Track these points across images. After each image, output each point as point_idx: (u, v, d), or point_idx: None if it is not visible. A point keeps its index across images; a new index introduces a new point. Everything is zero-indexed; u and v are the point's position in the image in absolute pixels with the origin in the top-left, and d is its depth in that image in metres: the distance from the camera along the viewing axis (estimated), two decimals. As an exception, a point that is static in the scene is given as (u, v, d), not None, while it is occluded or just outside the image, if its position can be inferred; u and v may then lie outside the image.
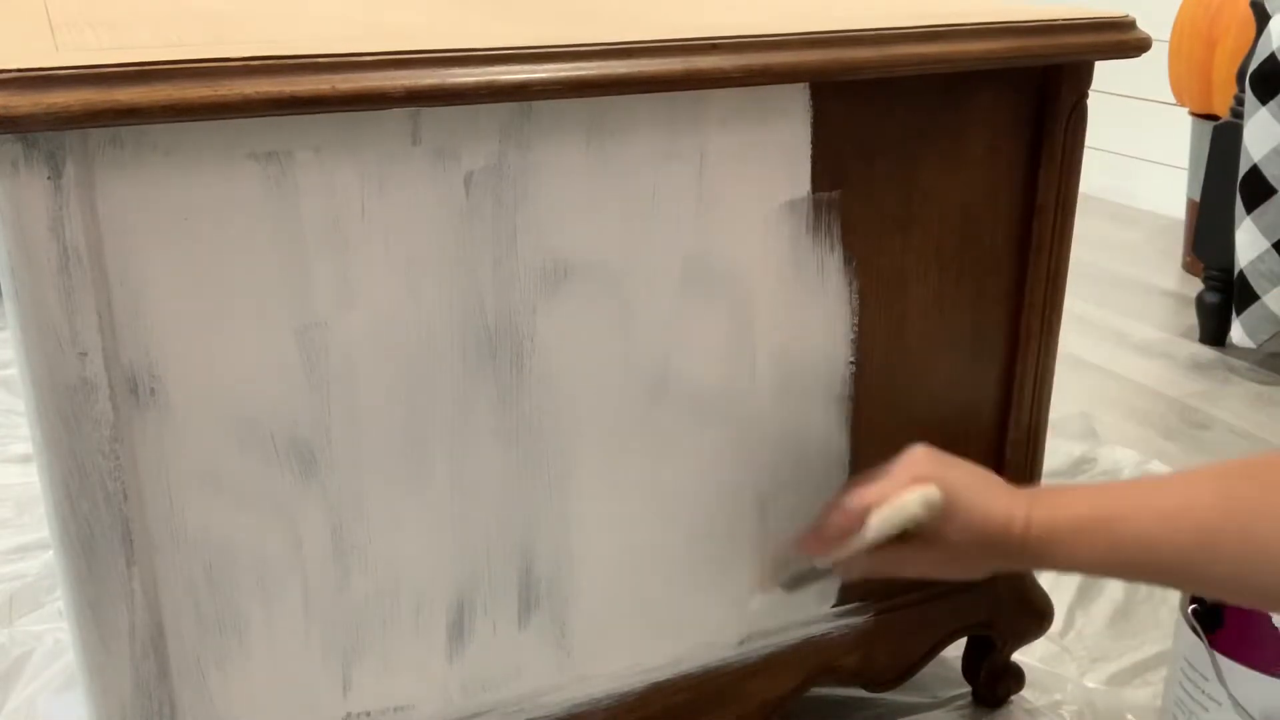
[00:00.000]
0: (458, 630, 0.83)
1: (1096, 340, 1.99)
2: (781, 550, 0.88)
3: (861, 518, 0.79)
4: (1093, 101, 0.91)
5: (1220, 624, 0.88)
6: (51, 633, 1.21)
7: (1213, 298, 2.00)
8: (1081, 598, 1.30)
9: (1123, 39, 0.87)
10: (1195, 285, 2.15)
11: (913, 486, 0.78)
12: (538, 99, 0.71)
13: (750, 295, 0.84)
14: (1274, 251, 1.75)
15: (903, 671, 1.02)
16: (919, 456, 0.80)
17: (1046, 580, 1.30)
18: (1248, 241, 1.78)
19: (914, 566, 0.81)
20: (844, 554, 0.81)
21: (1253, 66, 1.73)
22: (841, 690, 1.06)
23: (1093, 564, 0.76)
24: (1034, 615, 1.08)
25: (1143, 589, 1.32)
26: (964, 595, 1.03)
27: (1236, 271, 1.81)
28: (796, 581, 0.90)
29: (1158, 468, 1.56)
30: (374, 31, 0.78)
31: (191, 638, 0.74)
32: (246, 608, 0.75)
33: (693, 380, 0.84)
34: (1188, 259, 2.38)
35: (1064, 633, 1.23)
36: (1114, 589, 1.32)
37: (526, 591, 0.84)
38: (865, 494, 0.80)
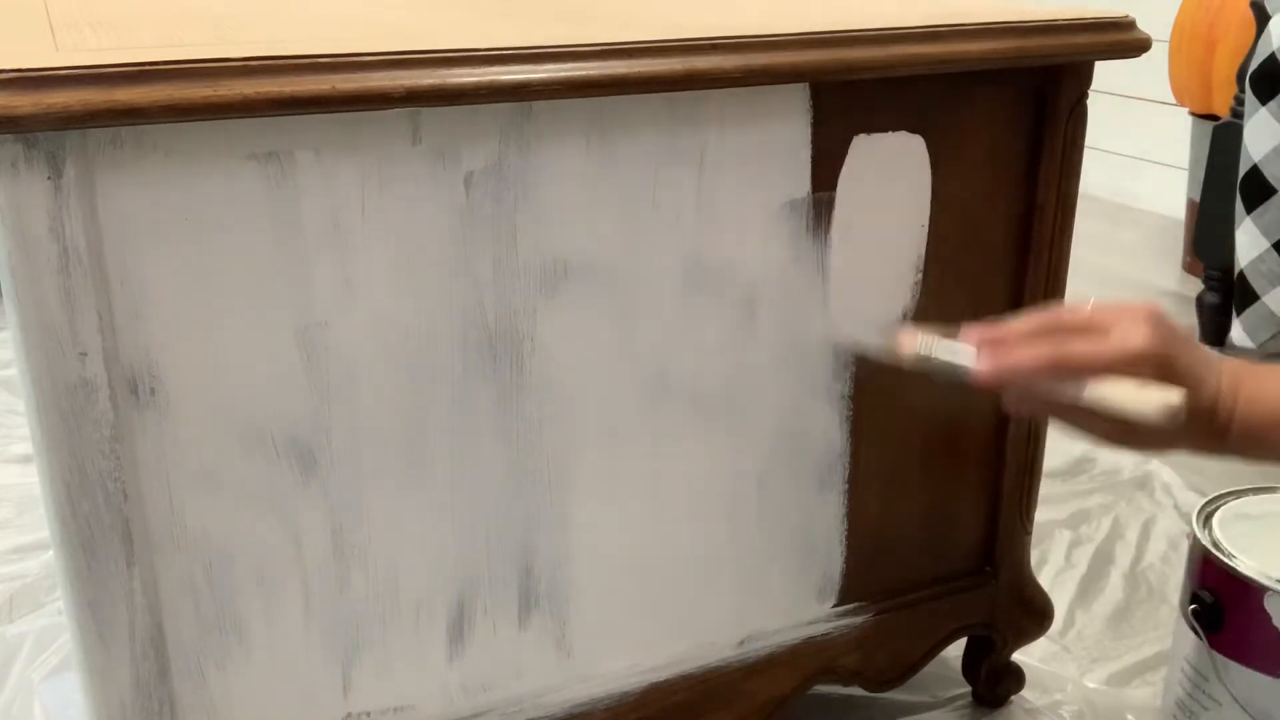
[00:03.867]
0: (458, 630, 0.83)
1: (1096, 340, 1.98)
2: (948, 334, 0.76)
3: (1076, 374, 0.69)
4: (1093, 101, 0.91)
5: (1220, 624, 0.88)
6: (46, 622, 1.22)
7: (1213, 298, 1.99)
8: (1081, 597, 1.30)
9: (1123, 39, 0.87)
10: (1195, 285, 2.15)
11: (1153, 385, 0.67)
12: (538, 99, 0.71)
13: (750, 295, 0.84)
14: (1274, 251, 1.75)
15: (903, 671, 1.02)
16: (1155, 327, 0.69)
17: (1046, 580, 1.30)
18: (1248, 241, 1.78)
19: (1097, 432, 0.72)
20: (1023, 389, 0.72)
21: (1253, 66, 1.73)
22: (841, 690, 1.06)
23: None
24: (1034, 615, 1.08)
25: (1143, 588, 1.32)
26: (964, 595, 1.03)
27: (1236, 272, 1.81)
28: (937, 369, 0.76)
29: (1158, 468, 1.56)
30: (374, 31, 0.78)
31: (191, 638, 0.74)
32: (246, 608, 0.75)
33: (693, 380, 0.84)
34: (1188, 259, 2.38)
35: (1064, 632, 1.23)
36: (1114, 588, 1.32)
37: (526, 591, 0.84)
38: (1090, 353, 0.69)
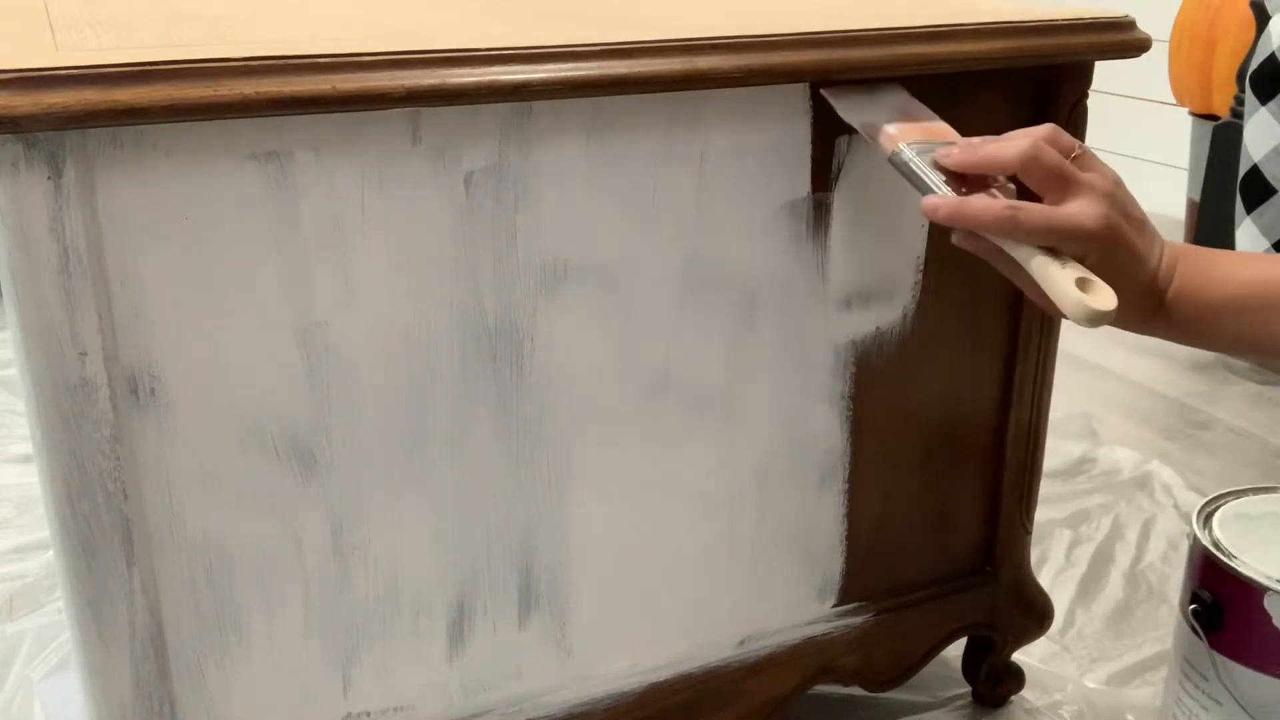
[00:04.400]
0: (458, 630, 0.83)
1: (1096, 340, 1.99)
2: (927, 132, 0.77)
3: (1025, 239, 0.71)
4: (1093, 101, 0.91)
5: (1220, 624, 0.88)
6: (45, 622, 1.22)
7: (1213, 298, 1.99)
8: (1082, 596, 1.30)
9: (1123, 39, 0.87)
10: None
11: (1087, 280, 0.69)
12: (538, 99, 0.71)
13: (750, 295, 0.84)
14: (1274, 251, 1.75)
15: (903, 671, 1.02)
16: (1111, 207, 0.72)
17: (1046, 579, 1.30)
18: (1248, 242, 1.78)
19: (1028, 293, 0.75)
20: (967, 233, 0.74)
21: (1253, 66, 1.73)
22: (841, 690, 1.06)
23: (1226, 346, 0.77)
24: (1034, 615, 1.08)
25: (1143, 588, 1.32)
26: (964, 595, 1.03)
27: (1236, 271, 1.81)
28: (906, 176, 0.76)
29: (1158, 468, 1.56)
30: (374, 31, 0.78)
31: (191, 638, 0.74)
32: (246, 608, 0.75)
33: (693, 380, 0.84)
34: (1188, 259, 2.38)
35: (1064, 631, 1.23)
36: (1114, 588, 1.32)
37: (526, 591, 0.84)
38: (1040, 222, 0.71)
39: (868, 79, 0.80)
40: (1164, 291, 0.77)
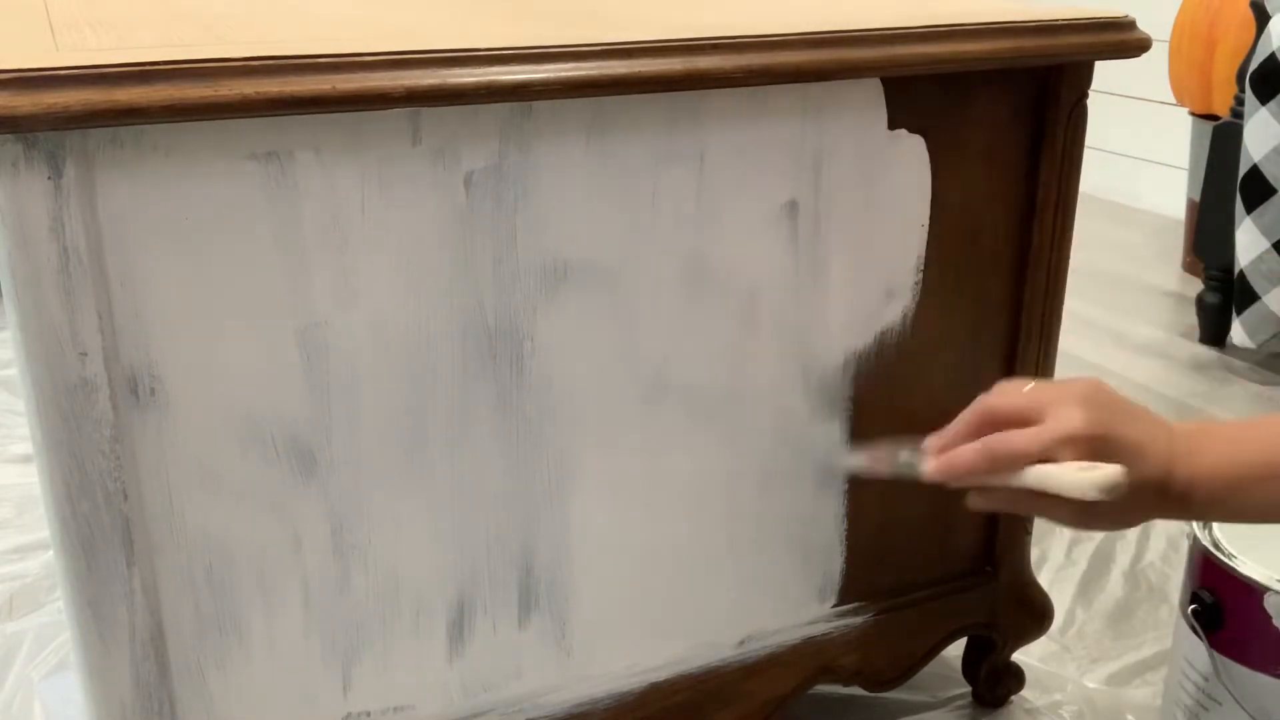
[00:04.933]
0: (458, 630, 0.83)
1: (1096, 340, 1.99)
2: (906, 444, 0.79)
3: (1011, 465, 0.71)
4: (1093, 101, 0.91)
5: (1220, 624, 0.88)
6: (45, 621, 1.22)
7: (1213, 298, 1.99)
8: (1082, 595, 1.30)
9: (1123, 39, 0.87)
10: (1195, 285, 2.15)
11: (1089, 465, 0.69)
12: (538, 99, 0.71)
13: (750, 295, 0.84)
14: (1274, 251, 1.75)
15: (903, 671, 1.02)
16: (1088, 407, 0.71)
17: (1046, 578, 1.30)
18: (1248, 241, 1.78)
19: (1057, 516, 0.73)
20: (975, 489, 0.75)
21: (1253, 66, 1.73)
22: (841, 690, 1.06)
23: (1255, 517, 0.73)
24: (1034, 615, 1.08)
25: (1143, 587, 1.32)
26: (964, 595, 1.03)
27: (1236, 271, 1.81)
28: (902, 474, 0.79)
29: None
30: (374, 31, 0.78)
31: (191, 638, 0.74)
32: (246, 608, 0.75)
33: (692, 380, 0.84)
34: (1188, 259, 2.38)
35: (1064, 630, 1.23)
36: (1114, 586, 1.32)
37: (526, 591, 0.84)
38: (1022, 443, 0.71)
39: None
40: (1189, 475, 0.73)
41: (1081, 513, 0.71)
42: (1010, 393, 0.73)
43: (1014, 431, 0.71)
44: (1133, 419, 0.73)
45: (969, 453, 0.72)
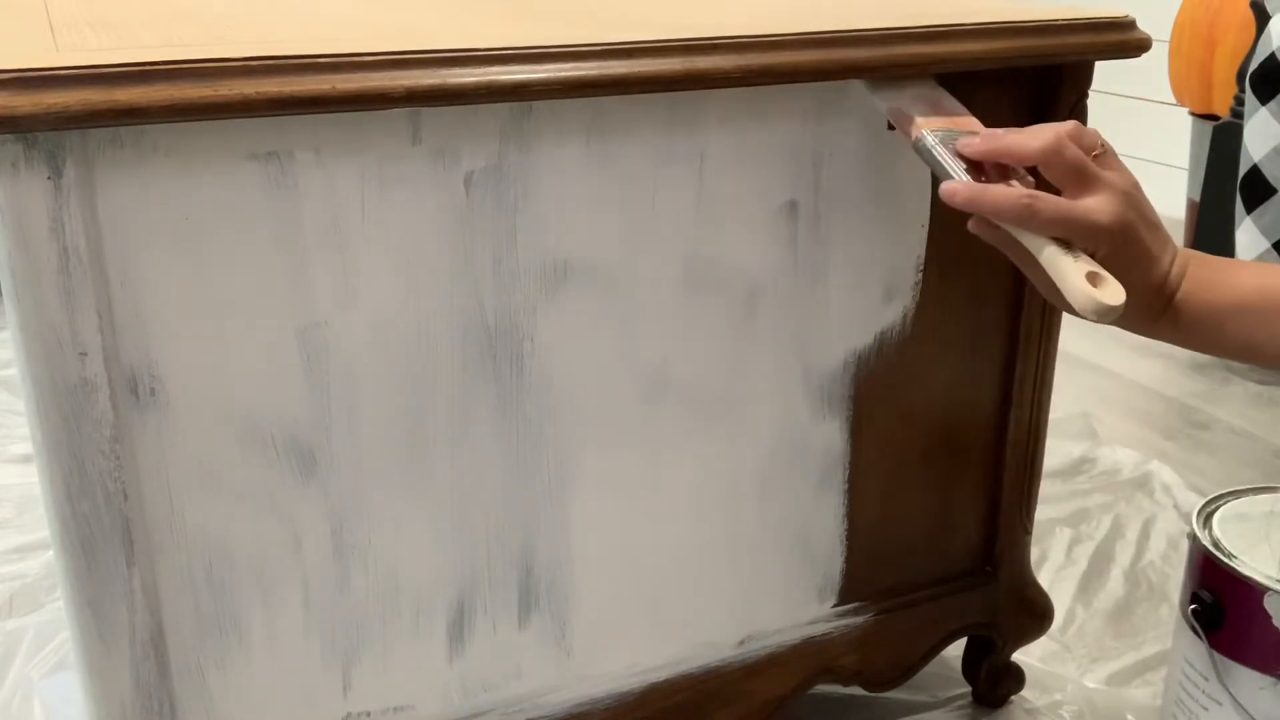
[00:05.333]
0: (458, 630, 0.83)
1: (1096, 340, 1.99)
2: (936, 121, 0.77)
3: (1038, 229, 0.72)
4: (1093, 101, 0.91)
5: (1220, 624, 0.88)
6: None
7: (1213, 298, 1.99)
8: (1082, 593, 1.30)
9: (1123, 39, 0.87)
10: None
11: (1097, 275, 0.70)
12: (538, 99, 0.71)
13: (750, 295, 0.84)
14: (1274, 251, 1.75)
15: (903, 671, 1.02)
16: (1127, 207, 0.72)
17: (1047, 577, 1.30)
18: (1248, 241, 1.78)
19: (1039, 285, 0.76)
20: (982, 220, 0.75)
21: (1253, 66, 1.73)
22: (841, 690, 1.06)
23: (1229, 349, 0.78)
24: (1034, 615, 1.08)
25: (1143, 585, 1.32)
26: (964, 595, 1.03)
27: (1236, 271, 1.81)
28: (928, 162, 0.77)
29: (1158, 468, 1.56)
30: (374, 31, 0.78)
31: (191, 638, 0.74)
32: (246, 608, 0.75)
33: (692, 380, 0.84)
34: (1188, 259, 2.38)
35: (1064, 629, 1.23)
36: (1115, 585, 1.32)
37: (526, 591, 0.84)
38: (1054, 215, 0.71)
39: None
40: (1172, 294, 0.78)
41: (1063, 299, 0.72)
42: (1077, 148, 0.73)
43: (1051, 198, 0.72)
44: (1152, 228, 0.75)
45: (1007, 201, 0.72)
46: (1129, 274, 0.72)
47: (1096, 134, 0.76)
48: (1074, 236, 0.72)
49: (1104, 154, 0.75)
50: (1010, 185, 0.74)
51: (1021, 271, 0.77)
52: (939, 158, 0.75)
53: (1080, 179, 0.73)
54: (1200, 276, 0.78)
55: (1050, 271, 0.72)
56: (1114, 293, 0.70)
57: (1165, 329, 0.79)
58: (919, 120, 0.77)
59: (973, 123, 0.78)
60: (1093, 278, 0.70)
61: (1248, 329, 0.77)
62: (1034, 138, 0.73)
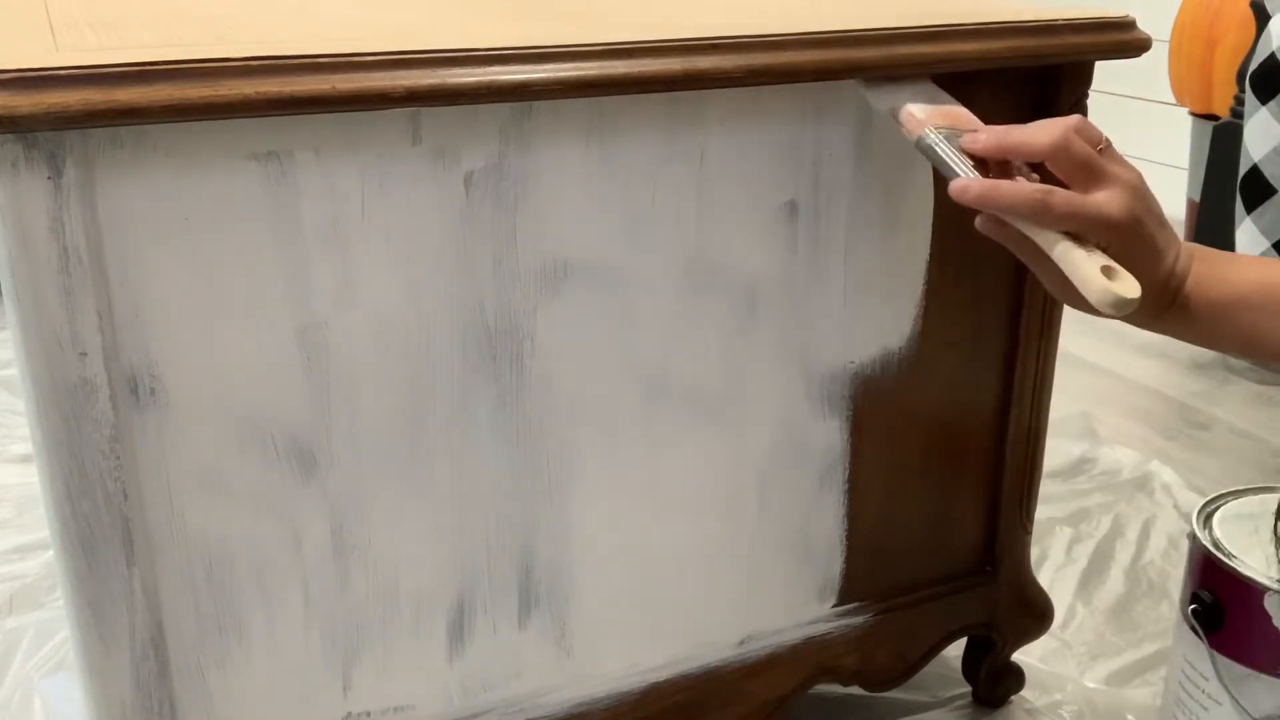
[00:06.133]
0: (458, 630, 0.83)
1: (1096, 340, 1.99)
2: (937, 118, 0.77)
3: (1049, 224, 0.71)
4: (1093, 101, 0.91)
5: (1220, 624, 0.88)
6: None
7: (1213, 298, 1.99)
8: (1082, 590, 1.30)
9: (1123, 39, 0.87)
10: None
11: (1111, 268, 0.70)
12: (538, 99, 0.71)
13: (750, 295, 0.84)
14: (1274, 251, 1.75)
15: (903, 671, 1.02)
16: (1136, 200, 0.73)
17: (1047, 575, 1.30)
18: (1248, 241, 1.78)
19: (1051, 284, 0.76)
20: (991, 218, 0.74)
21: (1253, 66, 1.73)
22: (841, 690, 1.06)
23: (1233, 343, 0.78)
24: (1034, 615, 1.08)
25: (1144, 583, 1.32)
26: (964, 595, 1.03)
27: (1236, 271, 1.81)
28: (933, 160, 0.76)
29: (1158, 468, 1.56)
30: (374, 31, 0.78)
31: (191, 638, 0.74)
32: (246, 608, 0.75)
33: (693, 380, 0.84)
34: (1188, 259, 2.38)
35: (1064, 626, 1.24)
36: (1115, 583, 1.32)
37: (526, 591, 0.84)
38: (1066, 209, 0.71)
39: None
40: (1177, 289, 0.78)
41: (1073, 295, 0.73)
42: (1083, 143, 0.73)
43: (1064, 192, 0.72)
44: (1160, 223, 0.76)
45: (1018, 196, 0.71)
46: (1137, 268, 0.72)
47: (1099, 129, 0.76)
48: (1086, 231, 0.72)
49: (1108, 149, 0.75)
50: (1018, 181, 0.74)
51: (1030, 269, 0.77)
52: (944, 155, 0.75)
53: (1089, 173, 0.73)
54: (1204, 271, 0.78)
55: (1064, 266, 0.71)
56: (1130, 285, 0.69)
57: (1170, 323, 0.79)
58: (920, 117, 0.77)
59: (971, 118, 0.78)
60: (1107, 271, 0.70)
61: (1250, 323, 0.77)
62: (1042, 133, 0.73)
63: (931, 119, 0.77)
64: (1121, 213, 0.72)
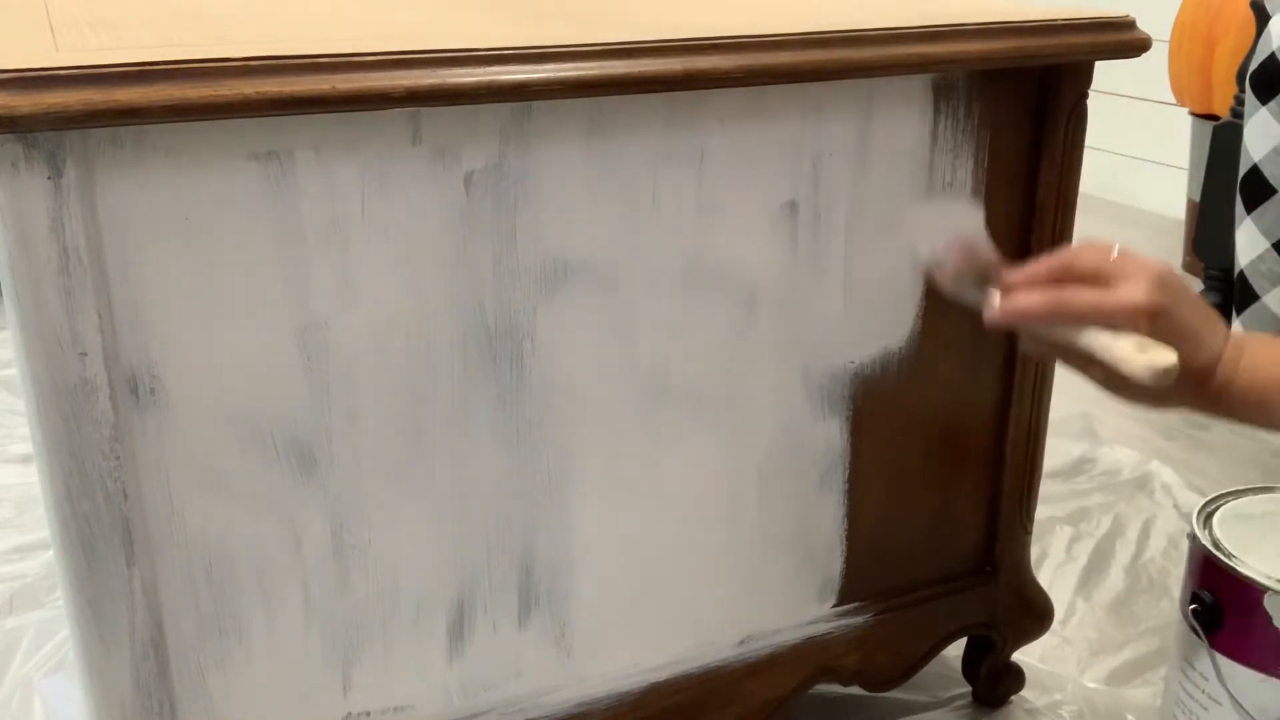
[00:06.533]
0: (458, 630, 0.83)
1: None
2: (973, 269, 0.78)
3: (1075, 321, 0.73)
4: (1093, 101, 0.91)
5: (1220, 624, 0.88)
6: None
7: (1213, 298, 1.99)
8: (1082, 587, 1.30)
9: (1123, 39, 0.87)
10: (1195, 285, 2.15)
11: (1147, 344, 0.70)
12: (538, 99, 0.71)
13: (750, 295, 0.84)
14: (1274, 251, 1.75)
15: (903, 671, 1.02)
16: (1160, 284, 0.72)
17: (1047, 573, 1.30)
18: (1248, 241, 1.78)
19: (1097, 379, 0.75)
20: (1029, 337, 0.76)
21: (1253, 66, 1.73)
22: (841, 690, 1.06)
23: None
24: (1034, 615, 1.08)
25: (1143, 580, 1.32)
26: (964, 595, 1.03)
27: (1236, 271, 1.81)
28: (965, 302, 0.79)
29: (1158, 468, 1.56)
30: (374, 31, 0.78)
31: (191, 638, 0.74)
32: (246, 608, 0.75)
33: (693, 380, 0.84)
34: (1188, 259, 2.38)
35: (1065, 622, 1.24)
36: (1115, 580, 1.32)
37: (526, 591, 0.84)
38: (1090, 302, 0.72)
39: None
40: (1231, 373, 0.76)
41: (1122, 383, 0.73)
42: (1091, 251, 0.74)
43: (1084, 289, 0.73)
44: (1193, 306, 0.75)
45: (1037, 300, 0.73)
46: (1176, 350, 0.72)
47: (1105, 241, 0.76)
48: (1112, 320, 0.72)
49: (1123, 256, 0.75)
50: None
51: (1083, 375, 0.76)
52: (974, 297, 0.77)
53: (1104, 276, 0.73)
54: (1257, 354, 0.77)
55: (1098, 350, 0.72)
56: (1164, 355, 0.70)
57: (1225, 409, 0.78)
58: (947, 271, 0.79)
59: (994, 263, 0.79)
60: (1141, 344, 0.70)
61: None
62: (1036, 292, 0.73)
63: (959, 269, 0.79)
64: (1145, 296, 0.72)
